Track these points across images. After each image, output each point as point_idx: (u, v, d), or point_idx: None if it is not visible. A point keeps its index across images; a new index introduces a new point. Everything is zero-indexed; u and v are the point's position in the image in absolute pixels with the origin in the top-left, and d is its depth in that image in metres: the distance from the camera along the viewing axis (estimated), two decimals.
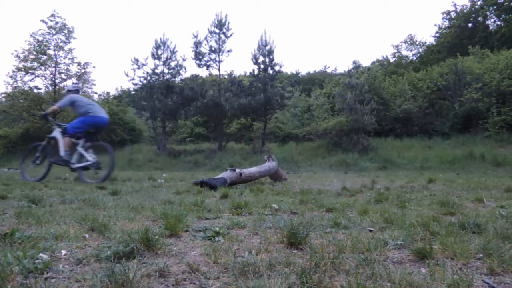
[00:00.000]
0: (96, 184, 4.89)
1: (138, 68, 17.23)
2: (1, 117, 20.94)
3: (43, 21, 19.50)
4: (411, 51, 32.51)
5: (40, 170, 6.13)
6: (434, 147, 14.53)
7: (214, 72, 17.54)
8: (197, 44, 16.54)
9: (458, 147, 13.92)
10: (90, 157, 5.60)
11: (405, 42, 32.32)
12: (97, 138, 6.08)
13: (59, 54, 20.11)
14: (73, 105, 5.85)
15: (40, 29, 19.82)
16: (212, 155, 15.19)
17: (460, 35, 27.19)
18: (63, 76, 20.35)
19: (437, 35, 30.59)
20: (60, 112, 12.73)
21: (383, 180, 6.55)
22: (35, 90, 19.77)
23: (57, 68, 20.11)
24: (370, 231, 1.94)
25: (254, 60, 16.64)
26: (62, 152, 5.75)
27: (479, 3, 26.95)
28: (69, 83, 20.84)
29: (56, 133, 5.90)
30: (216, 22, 16.38)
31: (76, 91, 6.21)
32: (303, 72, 38.23)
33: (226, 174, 4.87)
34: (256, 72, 16.73)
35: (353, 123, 14.98)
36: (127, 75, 18.36)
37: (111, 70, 63.10)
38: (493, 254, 1.36)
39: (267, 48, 16.55)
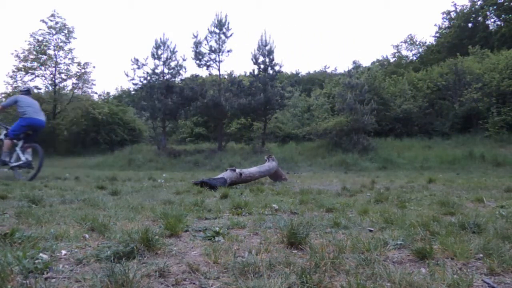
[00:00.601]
0: (25, 181, 5.34)
1: (138, 68, 17.24)
2: (1, 117, 20.91)
3: (43, 21, 19.54)
4: (411, 51, 32.54)
5: None
6: (434, 147, 14.53)
7: (214, 72, 17.56)
8: (197, 44, 16.54)
9: (458, 147, 13.92)
10: (24, 157, 6.01)
11: (405, 42, 32.34)
12: (34, 139, 6.40)
13: (59, 54, 20.14)
14: (16, 105, 6.27)
15: (40, 29, 19.87)
16: (212, 155, 15.19)
17: (460, 35, 27.20)
18: (63, 76, 20.39)
19: (437, 35, 30.61)
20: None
21: (383, 180, 6.55)
22: (35, 90, 19.78)
23: (57, 68, 20.13)
24: (370, 231, 1.94)
25: (254, 60, 16.64)
26: (2, 154, 6.13)
27: (479, 3, 26.95)
28: (68, 83, 20.87)
29: (2, 135, 6.32)
30: (216, 22, 16.38)
31: (27, 91, 6.63)
32: (303, 72, 38.27)
33: (226, 174, 4.87)
34: (256, 72, 16.73)
35: (353, 123, 14.97)
36: (127, 75, 18.37)
37: (111, 70, 63.12)
38: (493, 254, 1.36)
39: (267, 48, 16.55)
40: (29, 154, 6.12)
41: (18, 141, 6.17)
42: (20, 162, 6.01)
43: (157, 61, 17.31)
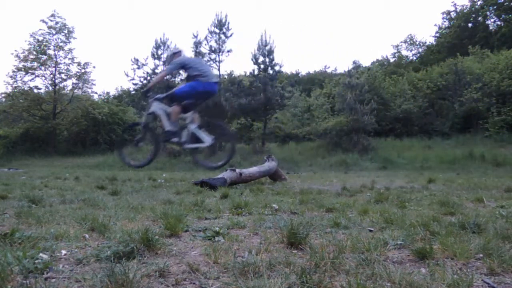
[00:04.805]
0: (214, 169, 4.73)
1: (138, 68, 17.26)
2: (1, 117, 20.93)
3: (43, 21, 19.52)
4: (411, 51, 32.57)
5: None
6: (434, 147, 14.53)
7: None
8: (197, 44, 16.56)
9: (458, 147, 13.92)
10: (208, 137, 4.94)
11: (405, 42, 32.38)
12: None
13: (59, 54, 20.13)
14: (185, 67, 5.04)
15: (40, 29, 19.84)
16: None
17: (460, 35, 27.21)
18: (63, 76, 20.36)
19: (437, 35, 30.64)
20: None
21: (383, 180, 6.54)
22: (35, 90, 19.78)
23: (57, 68, 20.12)
24: (370, 231, 1.94)
25: (254, 60, 16.64)
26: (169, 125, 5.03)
27: (479, 3, 26.97)
28: (68, 83, 20.88)
29: (155, 107, 5.16)
30: (216, 22, 16.40)
31: (179, 52, 5.31)
32: (303, 72, 38.24)
33: (226, 174, 4.87)
34: (256, 72, 16.73)
35: (353, 123, 14.97)
36: (127, 75, 18.39)
37: (111, 70, 63.10)
38: (493, 254, 1.36)
39: (267, 48, 16.56)
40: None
41: (186, 114, 4.91)
42: (203, 144, 4.77)
43: (157, 61, 17.33)
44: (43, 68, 19.80)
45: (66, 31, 19.96)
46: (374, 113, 15.32)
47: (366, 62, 41.51)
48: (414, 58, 31.48)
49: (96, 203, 2.79)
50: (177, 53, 5.24)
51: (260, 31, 47.22)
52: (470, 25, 27.75)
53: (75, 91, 21.28)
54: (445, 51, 26.79)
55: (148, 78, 17.27)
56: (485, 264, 1.31)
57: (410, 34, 35.06)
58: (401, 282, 1.08)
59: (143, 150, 5.68)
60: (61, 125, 19.95)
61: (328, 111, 19.34)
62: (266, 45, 16.56)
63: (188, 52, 29.55)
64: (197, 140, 4.79)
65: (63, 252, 1.44)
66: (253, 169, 5.60)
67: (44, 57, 19.58)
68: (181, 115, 4.91)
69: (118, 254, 1.36)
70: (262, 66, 16.65)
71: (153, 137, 5.22)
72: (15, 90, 19.57)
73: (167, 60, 5.46)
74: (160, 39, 17.43)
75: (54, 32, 19.71)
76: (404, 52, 32.49)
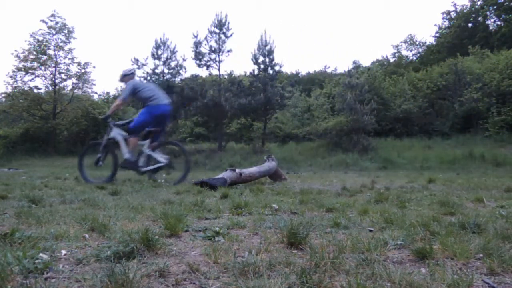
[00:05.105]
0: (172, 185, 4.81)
1: (138, 68, 17.23)
2: (1, 117, 20.93)
3: (43, 21, 19.50)
4: (411, 51, 32.57)
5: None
6: (434, 147, 14.53)
7: (214, 72, 17.55)
8: (197, 44, 16.53)
9: (458, 147, 13.92)
10: (161, 157, 5.41)
11: (405, 42, 32.37)
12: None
13: (59, 54, 20.10)
14: (137, 92, 5.40)
15: (40, 29, 19.81)
16: (212, 155, 15.19)
17: (460, 35, 27.21)
18: (63, 76, 20.34)
19: (437, 35, 30.63)
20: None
21: (383, 180, 6.54)
22: (35, 90, 19.77)
23: (57, 68, 20.10)
24: (370, 231, 1.94)
25: (254, 60, 16.63)
26: (128, 154, 5.46)
27: (479, 3, 26.97)
28: (68, 83, 20.87)
29: (115, 134, 5.63)
30: (216, 22, 16.38)
31: (133, 74, 5.61)
32: (303, 72, 38.23)
33: (226, 174, 4.87)
34: (256, 72, 16.72)
35: (353, 123, 14.97)
36: None
37: (111, 70, 63.12)
38: (493, 254, 1.36)
39: (267, 48, 16.55)
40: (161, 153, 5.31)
41: (142, 142, 5.30)
42: (159, 165, 5.19)
43: (157, 61, 17.32)
44: (43, 68, 19.78)
45: (66, 31, 19.94)
46: (374, 113, 15.32)
47: (366, 62, 41.55)
48: (414, 58, 31.49)
49: (96, 203, 2.79)
50: (129, 75, 5.53)
51: (260, 31, 47.23)
52: (470, 25, 27.75)
53: (75, 91, 21.27)
54: (445, 51, 26.78)
55: (148, 78, 17.27)
56: (485, 264, 1.31)
57: (410, 34, 35.10)
58: (401, 282, 1.08)
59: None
60: (61, 125, 19.94)
61: (328, 111, 19.34)
62: (266, 45, 16.56)
63: (187, 53, 29.51)
64: (154, 161, 5.23)
65: (63, 252, 1.44)
66: (253, 169, 5.60)
67: (44, 57, 19.57)
68: (139, 142, 5.29)
69: (118, 254, 1.36)
70: (262, 66, 16.64)
71: (112, 159, 5.53)
72: (15, 90, 19.55)
73: (120, 79, 5.72)
74: (160, 39, 17.43)
75: (54, 32, 19.70)
76: (404, 52, 32.52)
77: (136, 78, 5.60)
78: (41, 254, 1.34)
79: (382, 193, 3.79)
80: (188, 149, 5.44)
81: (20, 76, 19.59)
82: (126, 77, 5.48)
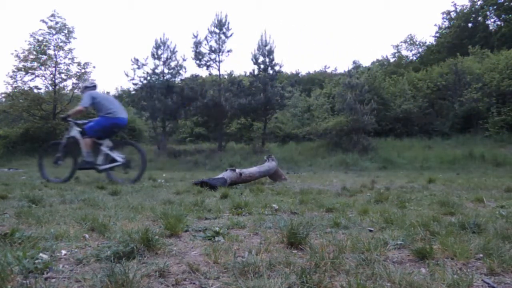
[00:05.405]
0: (129, 185, 4.93)
1: (138, 68, 17.24)
2: (1, 117, 20.91)
3: (43, 21, 19.47)
4: (411, 51, 32.55)
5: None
6: (434, 147, 14.53)
7: (214, 72, 17.55)
8: (197, 44, 16.54)
9: (458, 147, 13.92)
10: (119, 157, 5.65)
11: (405, 42, 32.36)
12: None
13: (59, 54, 20.09)
14: (95, 102, 5.73)
15: (40, 29, 19.79)
16: (212, 155, 15.19)
17: (460, 35, 27.21)
18: (63, 76, 20.32)
19: (437, 35, 30.62)
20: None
21: (383, 180, 6.54)
22: (35, 90, 19.75)
23: (57, 68, 20.08)
24: (370, 231, 1.94)
25: (254, 60, 16.63)
26: (85, 155, 5.71)
27: (479, 3, 26.97)
28: (68, 83, 20.88)
29: (73, 133, 5.89)
30: (216, 22, 16.38)
31: (94, 86, 5.97)
32: (303, 72, 38.26)
33: (226, 174, 4.87)
34: (256, 72, 16.72)
35: (353, 123, 14.97)
36: (127, 75, 18.39)
37: (111, 70, 63.13)
38: (493, 254, 1.36)
39: (267, 48, 16.55)
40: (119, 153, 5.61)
41: (100, 141, 5.58)
42: (116, 163, 5.47)
43: (157, 61, 17.32)
44: (43, 68, 19.77)
45: (66, 31, 19.92)
46: (374, 113, 15.32)
47: (366, 62, 41.56)
48: (414, 58, 31.47)
49: (96, 203, 2.79)
50: (90, 87, 5.89)
51: (260, 31, 47.24)
52: (470, 25, 27.74)
53: (75, 91, 21.25)
54: (445, 51, 26.77)
55: (148, 78, 17.27)
56: (485, 264, 1.31)
57: (410, 34, 35.10)
58: (401, 282, 1.09)
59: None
60: (61, 125, 19.90)
61: (328, 111, 19.34)
62: (266, 45, 16.56)
63: (187, 53, 29.53)
64: (111, 160, 5.51)
65: (63, 252, 1.44)
66: (253, 169, 5.60)
67: (44, 57, 19.56)
68: (96, 141, 5.59)
69: (118, 254, 1.36)
70: (262, 66, 16.64)
71: (71, 158, 5.80)
72: (15, 90, 19.54)
73: (81, 90, 6.15)
74: (160, 39, 17.43)
75: (54, 32, 19.68)
76: (404, 52, 32.50)
77: (97, 90, 6.07)
78: (41, 254, 1.34)
79: (382, 193, 3.79)
80: (144, 149, 5.62)
81: (20, 76, 19.58)
82: (87, 89, 5.87)
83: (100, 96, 5.75)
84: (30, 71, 19.50)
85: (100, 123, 5.58)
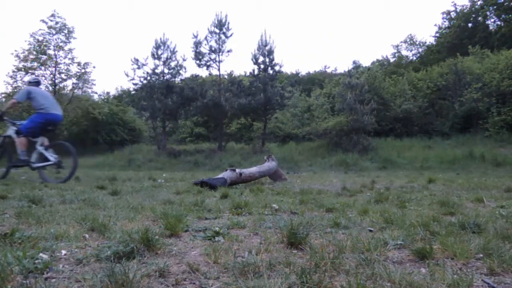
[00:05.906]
0: (57, 184, 5.02)
1: (138, 68, 17.24)
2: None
3: (43, 21, 19.50)
4: (411, 51, 32.52)
5: None
6: (434, 147, 14.53)
7: (214, 72, 17.56)
8: (197, 44, 16.54)
9: (458, 147, 13.91)
10: (52, 156, 5.80)
11: (405, 42, 32.31)
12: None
13: (59, 54, 20.10)
14: (30, 98, 5.88)
15: (40, 29, 19.81)
16: (212, 155, 15.19)
17: (460, 35, 27.19)
18: (63, 76, 20.35)
19: (437, 35, 30.60)
20: None
21: (383, 180, 6.55)
22: None
23: (57, 68, 20.10)
24: (370, 231, 1.94)
25: (254, 60, 16.63)
26: (20, 153, 5.88)
27: (479, 3, 26.95)
28: (68, 83, 20.88)
29: (10, 132, 6.07)
30: (216, 22, 16.38)
31: (37, 82, 6.14)
32: (303, 72, 38.24)
33: (226, 174, 4.87)
34: (256, 72, 16.72)
35: (353, 123, 14.96)
36: (127, 75, 18.37)
37: (111, 70, 63.07)
38: (493, 254, 1.36)
39: (267, 48, 16.55)
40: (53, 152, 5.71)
41: (35, 139, 5.69)
42: (49, 162, 5.56)
43: (157, 61, 17.32)
44: (43, 68, 19.79)
45: (66, 31, 19.94)
46: (374, 113, 15.31)
47: (366, 62, 41.55)
48: (414, 58, 31.45)
49: (96, 203, 2.79)
50: (32, 82, 6.03)
51: (260, 31, 47.25)
52: (470, 25, 27.73)
53: (75, 91, 21.27)
54: (445, 51, 26.76)
55: (148, 78, 17.27)
56: (485, 264, 1.31)
57: (410, 34, 35.05)
58: (401, 282, 1.08)
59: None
60: (61, 125, 19.94)
61: (328, 111, 19.34)
62: (266, 45, 16.56)
63: (187, 53, 29.51)
64: (45, 159, 5.62)
65: (63, 252, 1.44)
66: (253, 169, 5.60)
67: (44, 57, 19.57)
68: (31, 139, 5.70)
69: (118, 254, 1.36)
70: (262, 66, 16.64)
71: (7, 157, 5.99)
72: (15, 90, 19.53)
73: (26, 84, 6.41)
74: (160, 39, 17.42)
75: (54, 32, 19.69)
76: (404, 52, 32.47)
77: (41, 87, 6.19)
78: (41, 254, 1.34)
79: (382, 193, 3.79)
80: (74, 150, 5.79)
81: (20, 76, 19.59)
82: (30, 84, 6.01)
83: (36, 92, 5.81)
84: (30, 71, 19.50)
85: (33, 119, 5.69)
